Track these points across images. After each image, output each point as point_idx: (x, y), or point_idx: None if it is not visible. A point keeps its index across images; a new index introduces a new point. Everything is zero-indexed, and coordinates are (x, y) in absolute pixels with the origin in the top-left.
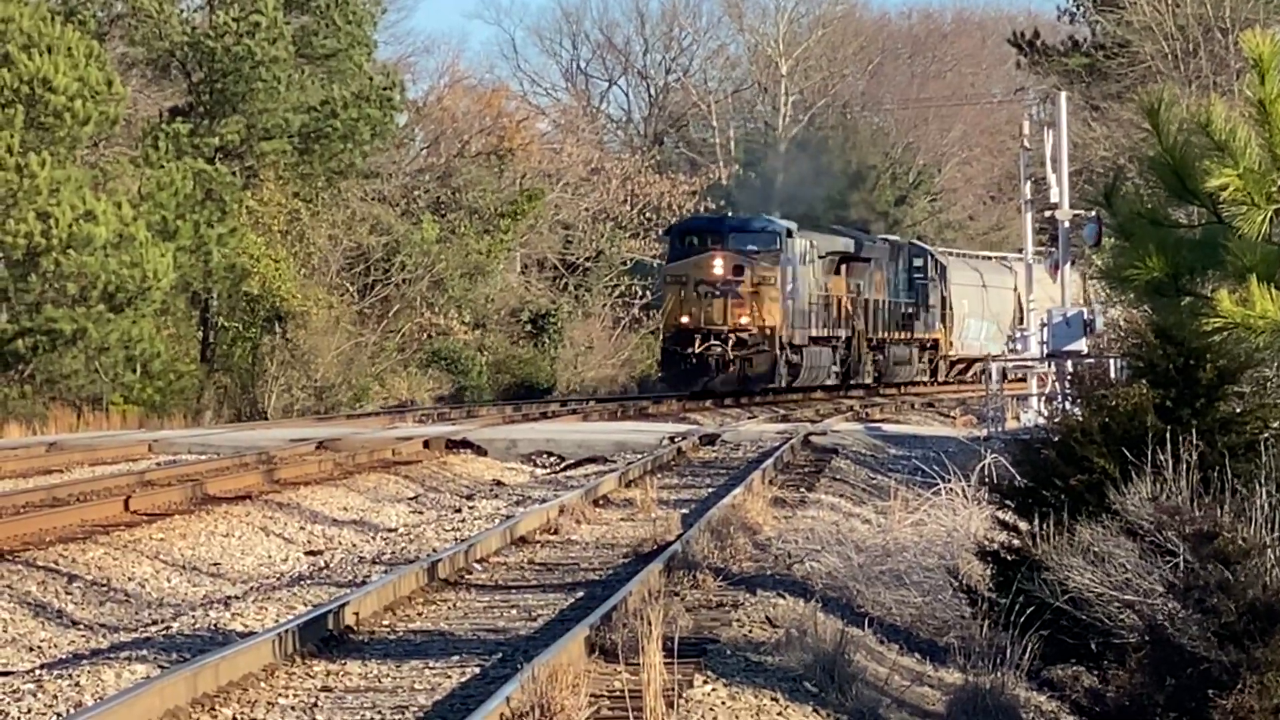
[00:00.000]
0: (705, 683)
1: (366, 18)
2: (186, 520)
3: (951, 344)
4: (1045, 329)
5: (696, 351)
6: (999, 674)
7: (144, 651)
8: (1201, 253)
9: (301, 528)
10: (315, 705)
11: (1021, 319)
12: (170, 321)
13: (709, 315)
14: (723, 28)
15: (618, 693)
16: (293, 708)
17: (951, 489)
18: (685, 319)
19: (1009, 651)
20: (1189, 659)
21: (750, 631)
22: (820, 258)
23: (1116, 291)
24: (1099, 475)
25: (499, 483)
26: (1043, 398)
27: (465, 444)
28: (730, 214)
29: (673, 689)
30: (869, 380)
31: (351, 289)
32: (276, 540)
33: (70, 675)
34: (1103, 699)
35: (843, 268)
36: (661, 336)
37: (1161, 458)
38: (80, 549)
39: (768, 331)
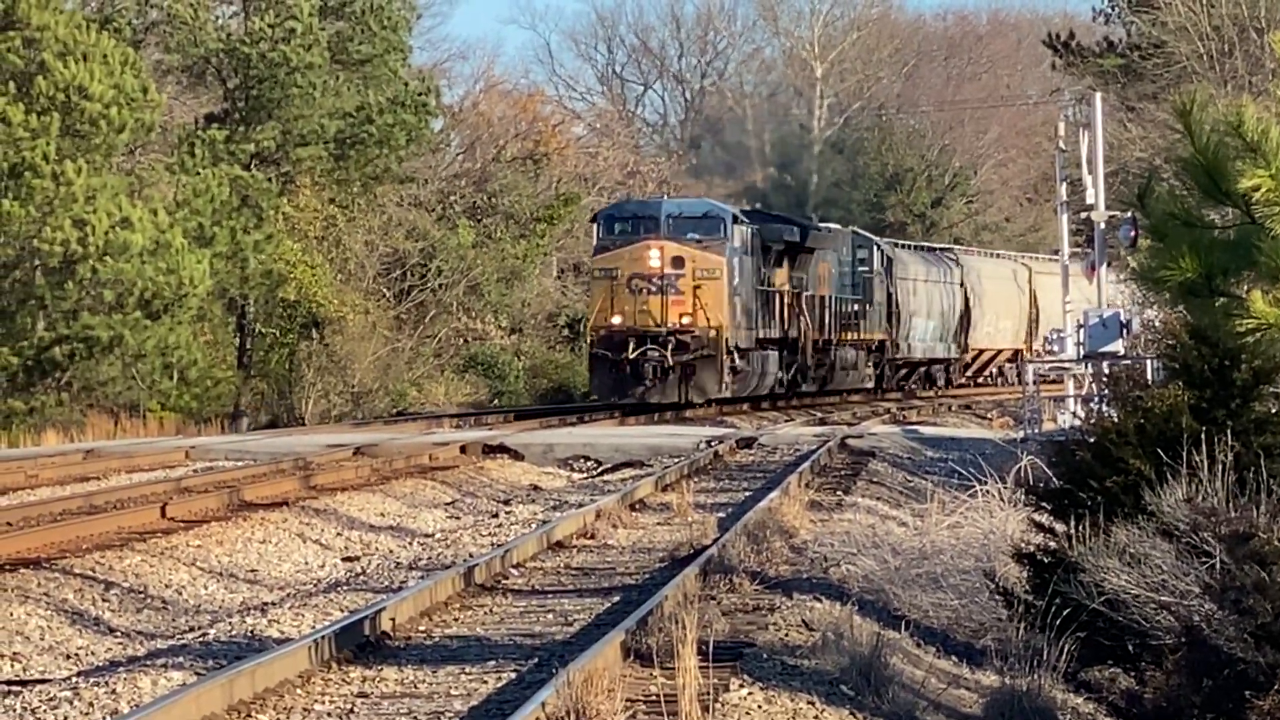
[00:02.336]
0: (741, 686)
1: (402, 23)
2: (223, 527)
3: (898, 345)
4: (1081, 330)
5: (630, 357)
6: (1036, 676)
7: (180, 658)
8: (1235, 254)
9: (338, 534)
10: (352, 711)
11: (968, 320)
12: (207, 328)
13: (644, 315)
14: (758, 31)
15: (653, 697)
16: (329, 714)
17: (988, 491)
18: (617, 319)
19: (1045, 653)
20: (1225, 660)
21: (787, 635)
22: (763, 247)
23: (1151, 292)
24: (1135, 477)
25: (536, 487)
26: (1079, 399)
27: (502, 449)
28: (667, 196)
29: (709, 693)
30: (813, 388)
31: (388, 294)
32: (313, 546)
33: (107, 682)
34: (1139, 700)
35: (785, 260)
36: (588, 340)
37: (1197, 459)
38: (117, 556)
39: (713, 333)
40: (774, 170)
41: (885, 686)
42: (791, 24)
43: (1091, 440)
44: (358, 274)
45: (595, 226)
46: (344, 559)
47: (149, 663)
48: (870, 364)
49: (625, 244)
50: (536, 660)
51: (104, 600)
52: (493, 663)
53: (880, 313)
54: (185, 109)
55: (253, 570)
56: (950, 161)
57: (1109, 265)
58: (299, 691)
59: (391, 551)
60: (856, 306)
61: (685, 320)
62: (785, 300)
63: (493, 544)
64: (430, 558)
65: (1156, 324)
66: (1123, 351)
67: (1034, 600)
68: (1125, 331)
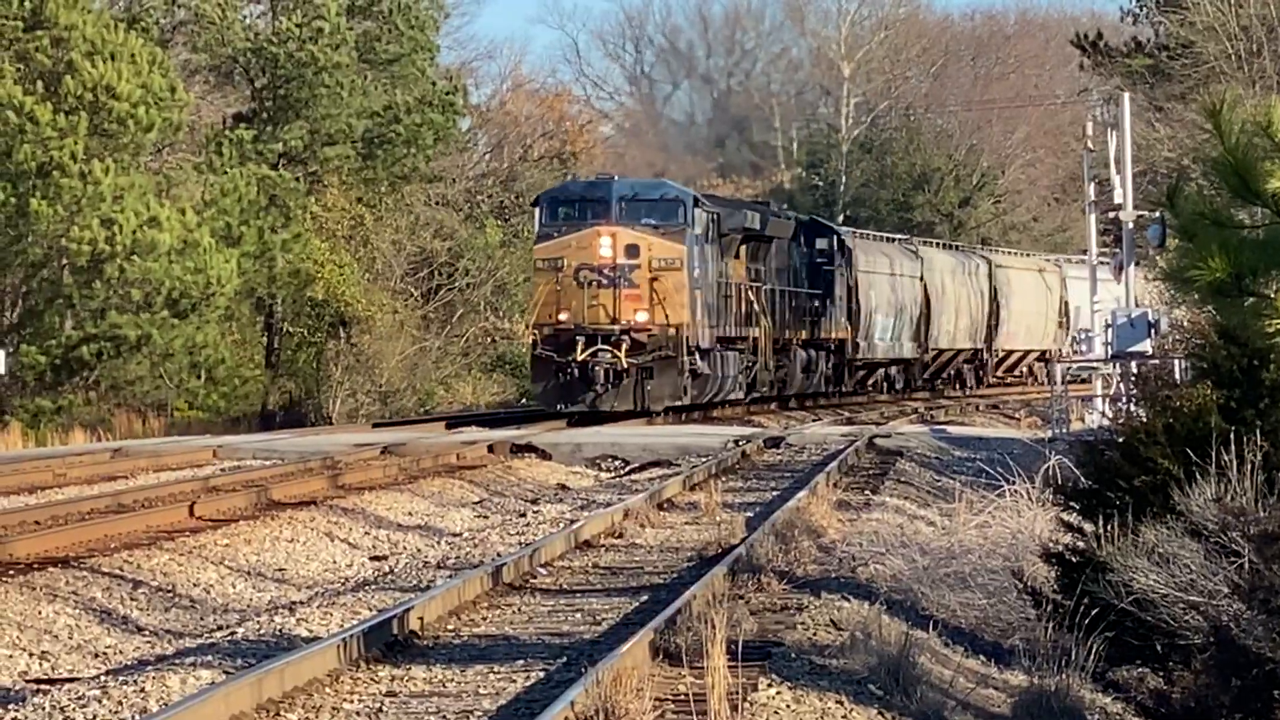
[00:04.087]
0: (770, 686)
1: (429, 23)
2: (251, 526)
3: (858, 345)
4: (1110, 330)
5: (579, 359)
6: (1064, 676)
7: (209, 657)
8: (1264, 253)
9: (366, 533)
10: (380, 710)
11: (929, 318)
12: (235, 327)
13: (595, 311)
14: (785, 31)
15: (682, 696)
16: (357, 713)
17: (1016, 491)
18: (563, 316)
19: (1074, 653)
20: (1254, 660)
21: (815, 634)
22: (722, 235)
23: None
24: (1163, 476)
25: (563, 487)
26: (1107, 399)
27: (530, 448)
28: (618, 177)
29: (737, 692)
30: (771, 392)
31: (415, 294)
32: (341, 545)
33: (135, 681)
34: (1168, 700)
35: (743, 249)
36: (531, 339)
37: (1225, 459)
38: (145, 555)
39: (672, 331)
40: (801, 170)
41: (913, 686)
42: (819, 24)
43: (1120, 440)
44: (385, 273)
45: (537, 211)
46: (372, 558)
47: (177, 661)
48: (829, 366)
49: (572, 231)
50: (565, 659)
51: (132, 599)
52: (521, 662)
53: (840, 309)
54: (213, 108)
55: (281, 569)
56: (978, 161)
57: (1137, 265)
58: (328, 690)
59: (419, 550)
60: (815, 302)
61: (641, 317)
62: (743, 294)
63: (520, 543)
64: (458, 557)
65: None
66: (1151, 351)
67: (1062, 600)
68: (1154, 331)
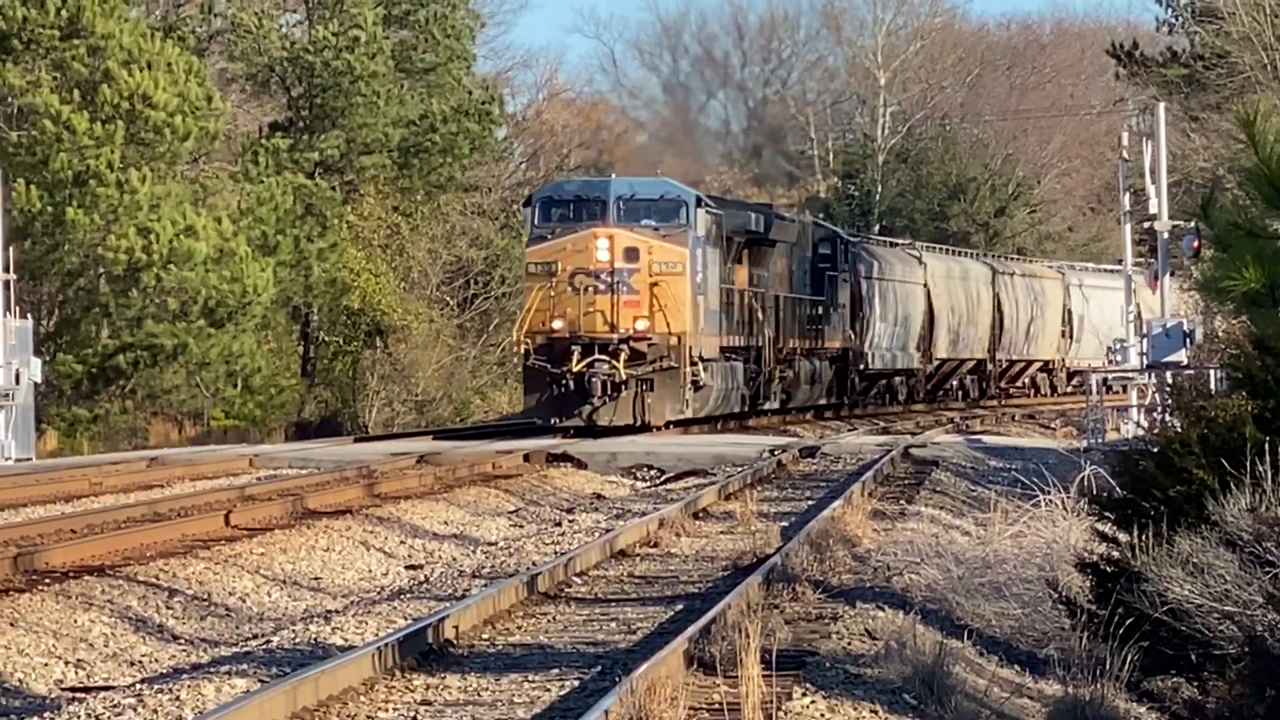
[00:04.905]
0: (804, 695)
1: (465, 32)
2: (287, 535)
3: (862, 355)
4: (1144, 340)
5: (574, 370)
6: (1098, 685)
7: (244, 666)
8: None
9: (402, 542)
10: (414, 719)
11: (932, 326)
12: (271, 336)
13: (591, 319)
14: (821, 40)
15: (716, 705)
16: None
17: (1051, 500)
18: (557, 324)
19: (1108, 663)
20: None
21: (849, 644)
22: (724, 239)
23: (1215, 302)
24: (1198, 486)
25: (599, 496)
26: (1143, 409)
27: (565, 457)
28: (616, 175)
29: (771, 701)
30: (775, 405)
31: (451, 303)
32: (377, 554)
33: (171, 690)
34: (1202, 710)
35: (745, 253)
36: (523, 349)
37: (1261, 468)
38: (181, 564)
39: (674, 340)
40: (837, 179)
41: (948, 695)
42: (855, 33)
43: (1154, 450)
44: (421, 282)
45: (529, 212)
46: (407, 567)
47: (213, 670)
48: (833, 376)
49: (566, 233)
50: (599, 668)
51: (168, 607)
52: (556, 671)
53: (844, 317)
54: (249, 117)
55: (316, 578)
56: (1013, 171)
57: (1172, 275)
58: (362, 699)
59: (455, 559)
60: (819, 310)
61: (641, 325)
62: (745, 301)
63: (556, 552)
64: (493, 566)
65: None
66: (1186, 361)
67: (1097, 609)
68: (1189, 341)
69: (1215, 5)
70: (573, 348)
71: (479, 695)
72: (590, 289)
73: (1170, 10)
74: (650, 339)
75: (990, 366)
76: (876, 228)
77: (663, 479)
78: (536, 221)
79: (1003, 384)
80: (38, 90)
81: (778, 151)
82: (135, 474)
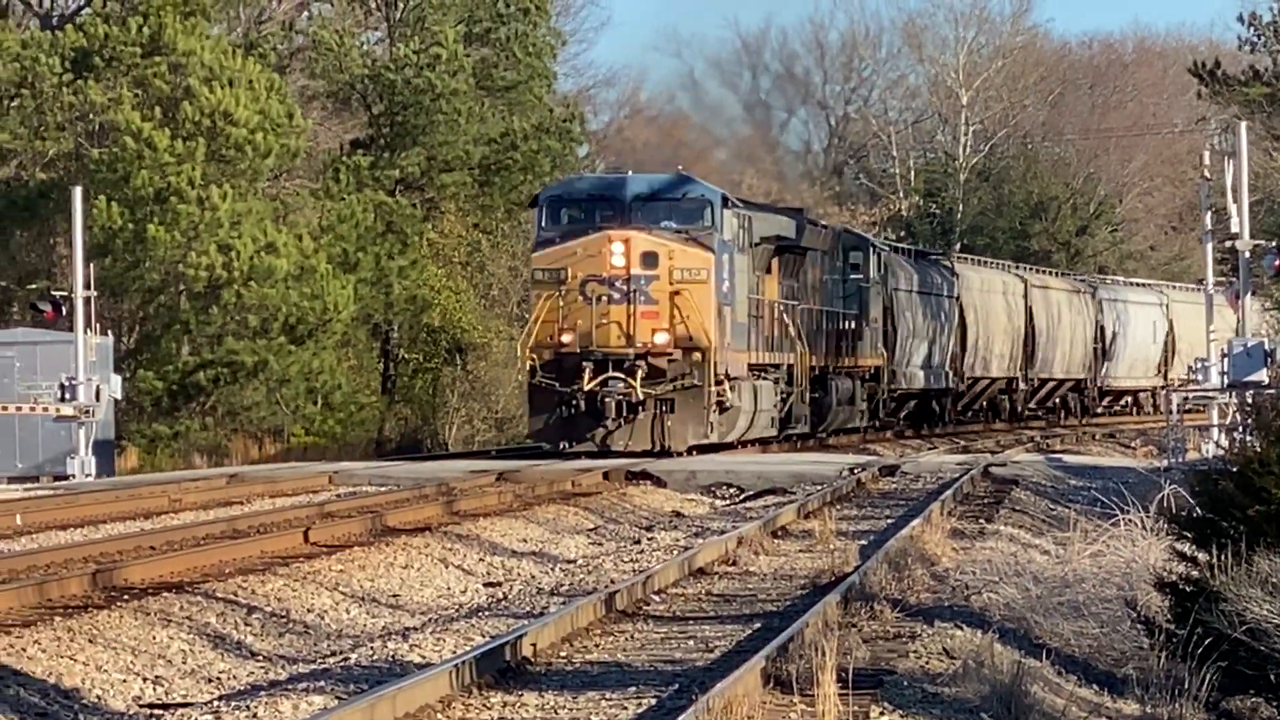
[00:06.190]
0: (881, 714)
1: (547, 50)
2: (366, 552)
3: (894, 374)
4: (1225, 359)
5: (585, 389)
6: (1177, 705)
7: (322, 683)
8: None
9: (480, 559)
10: None
11: (964, 343)
12: (351, 353)
13: (604, 331)
14: (902, 58)
15: None
16: None
17: (1130, 520)
18: (566, 337)
19: (1187, 682)
20: None
21: (927, 662)
22: (753, 245)
23: None
24: (1277, 506)
25: (678, 514)
26: (1223, 428)
27: (645, 475)
28: (632, 172)
29: None
30: (805, 428)
31: None
32: (455, 572)
33: (248, 706)
34: None
35: (775, 261)
36: (529, 365)
37: None
38: (260, 580)
39: (697, 356)
40: (918, 198)
41: (1026, 715)
42: (936, 51)
43: (1234, 469)
44: (501, 300)
45: (536, 213)
46: (486, 584)
47: (290, 687)
48: (864, 397)
49: (577, 235)
50: (677, 686)
51: (246, 624)
52: (633, 689)
53: (876, 332)
54: (330, 134)
55: (395, 595)
56: (1095, 190)
57: (1253, 294)
58: (439, 716)
59: (533, 577)
60: (851, 325)
61: (660, 338)
62: (776, 314)
63: (634, 570)
64: (572, 583)
65: None
66: (1267, 380)
67: (1175, 629)
68: (1269, 361)
69: None
70: (584, 364)
71: (556, 713)
72: (604, 298)
73: (1253, 29)
74: (670, 354)
75: (1023, 386)
76: (958, 246)
77: (742, 497)
78: (544, 223)
79: (1032, 405)
80: (119, 107)
81: (859, 170)
82: (215, 491)
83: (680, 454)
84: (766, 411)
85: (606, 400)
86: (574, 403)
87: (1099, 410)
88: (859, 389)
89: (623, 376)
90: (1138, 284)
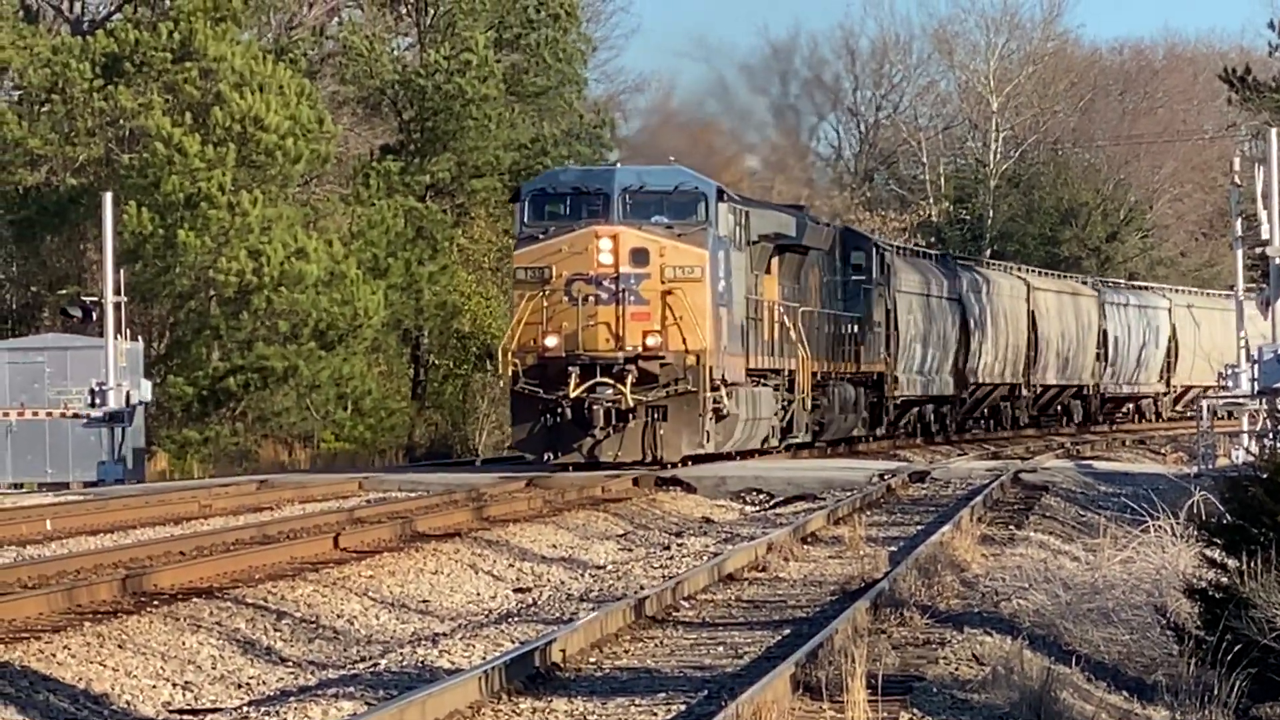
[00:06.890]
0: None
1: (577, 56)
2: (395, 558)
3: (897, 380)
4: (1256, 366)
5: (571, 396)
6: (1207, 712)
7: (351, 688)
8: None
9: (510, 565)
10: None
11: (968, 347)
12: (381, 359)
13: (592, 334)
14: (933, 64)
15: None
16: None
17: (1160, 526)
18: (551, 340)
19: (1217, 689)
20: None
21: (957, 669)
22: (751, 242)
23: None
24: None
25: (708, 520)
26: (1253, 435)
27: (674, 481)
28: (620, 164)
29: None
30: (806, 437)
31: None
32: (485, 577)
33: (278, 712)
34: None
35: (774, 261)
36: (510, 370)
37: None
38: (289, 586)
39: (691, 360)
40: (949, 204)
41: None
42: (967, 58)
43: (1264, 476)
44: None
45: (518, 208)
46: (515, 590)
47: (320, 692)
48: (866, 404)
49: (562, 232)
50: (706, 692)
51: (276, 630)
52: (662, 694)
53: (879, 337)
54: (360, 140)
55: (424, 601)
56: (1125, 196)
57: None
58: None
59: (563, 583)
60: (853, 328)
61: (652, 341)
62: (775, 316)
63: (664, 576)
64: (601, 589)
65: None
66: None
67: (1205, 636)
68: None
69: None
70: (570, 369)
71: (585, 719)
72: (590, 299)
73: None
74: (663, 358)
75: (1025, 392)
76: (988, 252)
77: (771, 503)
78: (526, 219)
79: (1034, 411)
80: (150, 113)
81: (889, 176)
82: (245, 496)
83: (674, 465)
84: (766, 420)
85: (594, 408)
86: (559, 411)
87: (1100, 418)
88: (861, 396)
89: (612, 382)
90: (1140, 287)
